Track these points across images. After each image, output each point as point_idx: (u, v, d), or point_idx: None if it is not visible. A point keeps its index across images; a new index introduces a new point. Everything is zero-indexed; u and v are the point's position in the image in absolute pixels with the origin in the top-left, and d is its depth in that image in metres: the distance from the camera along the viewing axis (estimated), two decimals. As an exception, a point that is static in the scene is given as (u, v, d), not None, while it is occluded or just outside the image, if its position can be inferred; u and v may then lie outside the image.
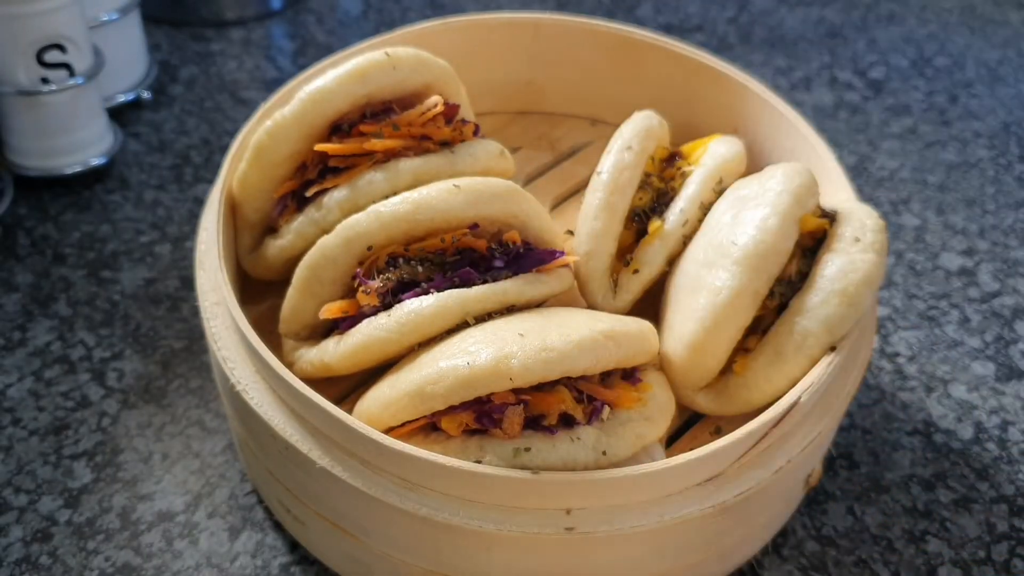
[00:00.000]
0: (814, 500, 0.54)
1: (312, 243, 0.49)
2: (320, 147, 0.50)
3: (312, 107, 0.50)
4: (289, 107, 0.50)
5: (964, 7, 1.04)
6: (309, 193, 0.51)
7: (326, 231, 0.49)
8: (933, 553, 0.52)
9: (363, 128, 0.51)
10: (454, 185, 0.47)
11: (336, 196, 0.50)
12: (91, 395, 0.58)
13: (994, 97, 0.90)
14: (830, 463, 0.56)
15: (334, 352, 0.47)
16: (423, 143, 0.51)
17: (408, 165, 0.50)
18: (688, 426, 0.52)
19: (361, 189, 0.49)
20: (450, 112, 0.53)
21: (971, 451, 0.58)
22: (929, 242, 0.73)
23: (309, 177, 0.52)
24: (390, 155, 0.50)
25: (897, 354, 0.64)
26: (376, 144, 0.49)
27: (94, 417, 0.57)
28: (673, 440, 0.52)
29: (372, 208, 0.47)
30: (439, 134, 0.52)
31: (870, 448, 0.57)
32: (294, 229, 0.51)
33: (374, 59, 0.51)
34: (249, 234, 0.55)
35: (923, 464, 0.57)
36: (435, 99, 0.52)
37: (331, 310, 0.47)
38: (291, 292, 0.49)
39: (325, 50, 0.89)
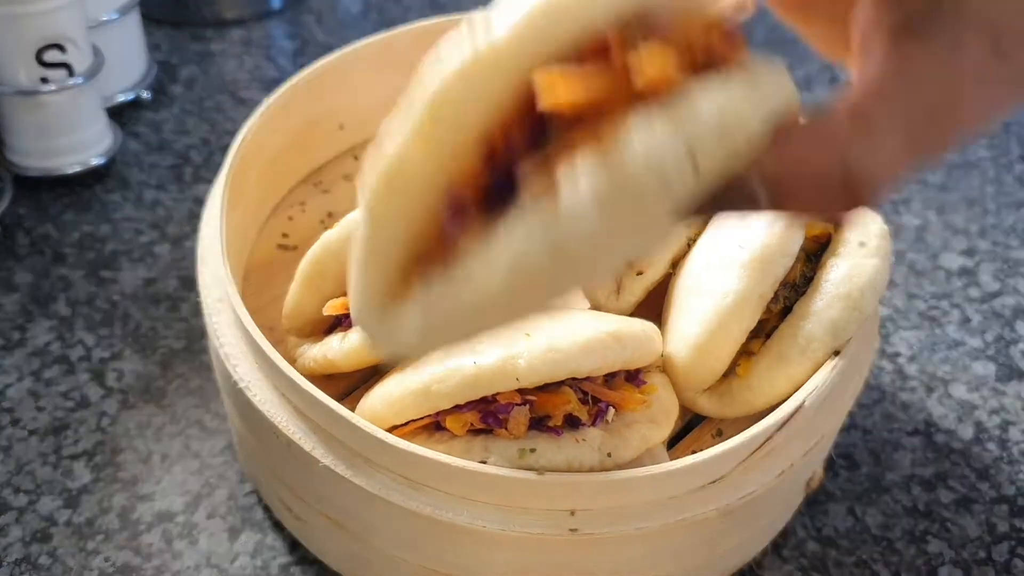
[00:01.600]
0: (815, 500, 0.54)
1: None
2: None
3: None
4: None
5: None
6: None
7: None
8: (934, 553, 0.52)
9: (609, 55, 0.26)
10: None
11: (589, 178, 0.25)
12: (90, 395, 0.58)
13: (993, 98, 0.90)
14: (830, 463, 0.56)
15: (338, 349, 0.47)
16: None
17: (706, 104, 0.25)
18: (689, 429, 0.52)
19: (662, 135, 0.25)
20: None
21: (972, 451, 0.58)
22: (930, 242, 0.73)
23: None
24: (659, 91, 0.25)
25: (898, 354, 0.64)
26: (646, 71, 0.25)
27: (93, 417, 0.57)
28: (674, 443, 0.52)
29: None
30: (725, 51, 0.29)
31: (870, 448, 0.57)
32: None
33: None
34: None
35: (923, 464, 0.57)
36: None
37: (335, 307, 0.47)
38: (294, 288, 0.49)
39: (325, 50, 0.89)
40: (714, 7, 0.27)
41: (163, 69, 0.86)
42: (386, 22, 0.93)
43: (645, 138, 0.23)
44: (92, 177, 0.73)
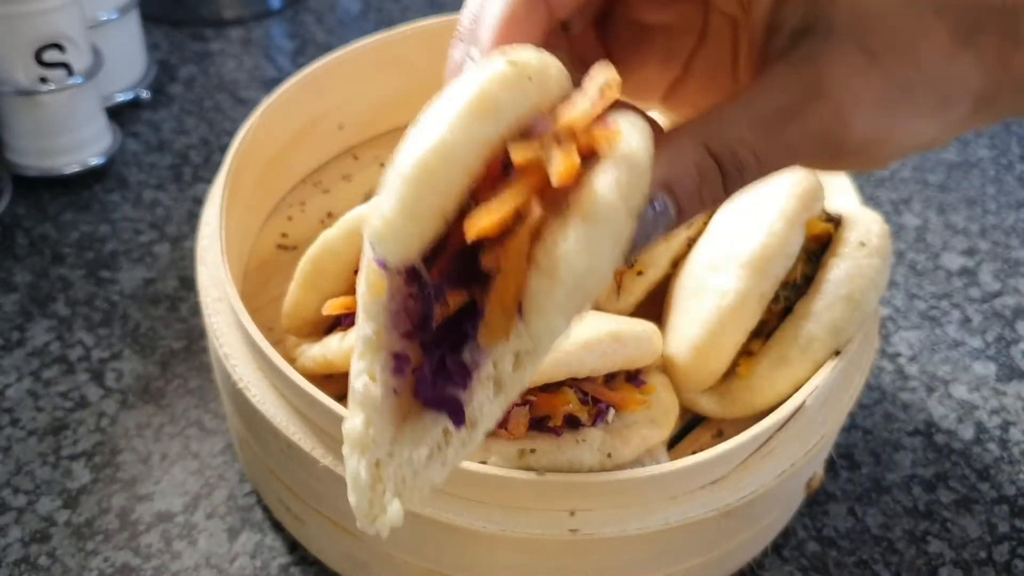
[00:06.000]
0: (815, 501, 0.54)
1: None
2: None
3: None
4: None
5: None
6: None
7: None
8: (934, 554, 0.52)
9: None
10: None
11: None
12: (90, 395, 0.58)
13: (994, 98, 0.90)
14: (831, 464, 0.56)
15: (338, 349, 0.47)
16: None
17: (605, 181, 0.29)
18: (689, 429, 0.52)
19: None
20: None
21: (972, 451, 0.58)
22: (930, 242, 0.73)
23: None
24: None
25: (898, 354, 0.63)
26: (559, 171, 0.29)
27: (93, 417, 0.57)
28: (674, 443, 0.51)
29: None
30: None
31: (871, 448, 0.57)
32: None
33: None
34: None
35: (924, 465, 0.57)
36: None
37: (334, 306, 0.47)
38: (294, 287, 0.49)
39: (324, 49, 0.89)
40: (583, 97, 0.31)
41: (162, 69, 0.85)
42: (385, 21, 0.93)
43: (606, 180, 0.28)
44: (91, 177, 0.73)
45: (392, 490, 0.30)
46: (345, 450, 0.31)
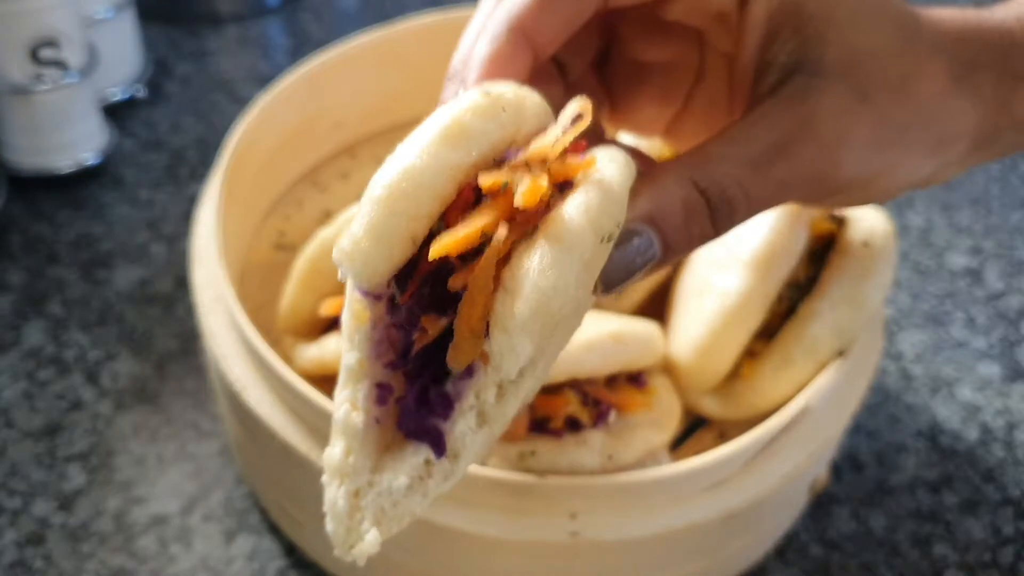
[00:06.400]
0: (819, 504, 0.53)
1: None
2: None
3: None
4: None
5: (974, 3, 1.04)
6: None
7: None
8: (938, 557, 0.52)
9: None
10: None
11: None
12: (85, 396, 0.57)
13: (997, 96, 0.89)
14: (834, 466, 0.55)
15: (335, 349, 0.46)
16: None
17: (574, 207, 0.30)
18: (692, 431, 0.52)
19: None
20: None
21: (977, 453, 0.57)
22: (934, 241, 0.72)
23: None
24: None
25: (902, 355, 0.63)
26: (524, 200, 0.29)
27: (88, 419, 0.56)
28: (677, 445, 0.51)
29: None
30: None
31: (875, 451, 0.57)
32: None
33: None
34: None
35: (928, 467, 0.56)
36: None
37: (331, 306, 0.47)
38: (290, 287, 0.49)
39: (322, 47, 0.88)
40: (555, 128, 0.32)
41: (158, 67, 0.85)
42: (384, 17, 0.92)
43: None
44: (87, 176, 0.73)
45: (370, 519, 0.30)
46: (324, 478, 0.31)
